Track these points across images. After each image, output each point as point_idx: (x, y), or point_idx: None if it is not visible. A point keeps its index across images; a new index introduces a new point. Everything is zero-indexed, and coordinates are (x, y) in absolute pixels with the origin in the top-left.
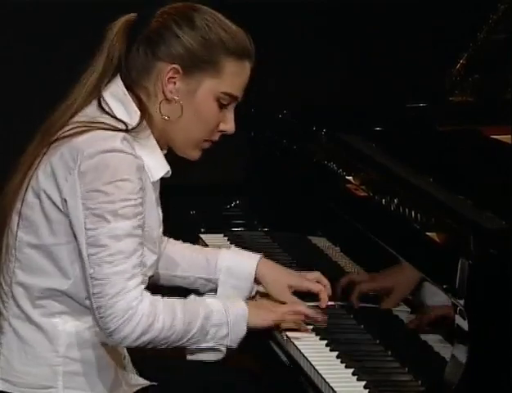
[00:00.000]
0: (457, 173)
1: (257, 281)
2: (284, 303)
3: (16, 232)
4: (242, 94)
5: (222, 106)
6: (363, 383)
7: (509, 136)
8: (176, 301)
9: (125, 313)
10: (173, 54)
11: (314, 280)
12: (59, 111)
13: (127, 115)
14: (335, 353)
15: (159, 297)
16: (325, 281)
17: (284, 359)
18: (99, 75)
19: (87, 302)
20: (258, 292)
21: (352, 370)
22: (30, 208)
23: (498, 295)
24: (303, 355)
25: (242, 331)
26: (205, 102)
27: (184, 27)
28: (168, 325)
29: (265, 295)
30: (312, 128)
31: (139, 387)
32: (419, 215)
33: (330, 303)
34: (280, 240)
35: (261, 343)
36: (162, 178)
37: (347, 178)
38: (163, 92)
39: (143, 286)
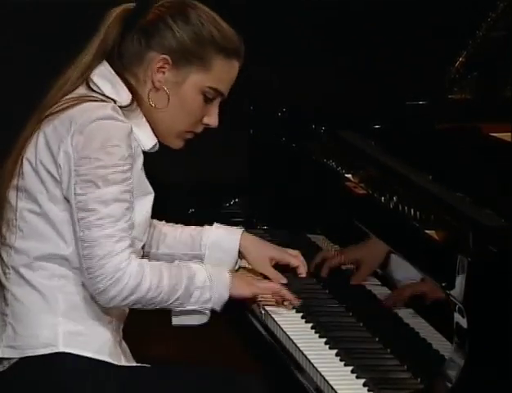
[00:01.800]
0: (456, 170)
1: (240, 254)
2: (266, 277)
3: (16, 204)
4: (228, 91)
5: (207, 100)
6: (362, 381)
7: (509, 133)
8: (163, 264)
9: (114, 274)
10: (165, 46)
11: (294, 256)
12: (53, 90)
13: (115, 94)
14: (334, 351)
15: (146, 260)
16: (303, 259)
17: (283, 357)
18: (92, 57)
19: None
20: (240, 267)
21: (351, 368)
22: (28, 180)
23: (497, 292)
24: (302, 353)
25: (224, 295)
26: (191, 94)
27: (179, 21)
28: (155, 286)
29: (249, 271)
30: (312, 127)
31: (131, 364)
32: (418, 213)
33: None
34: (280, 238)
35: (253, 335)
36: (162, 176)
37: (346, 175)
38: (152, 81)
39: (131, 249)
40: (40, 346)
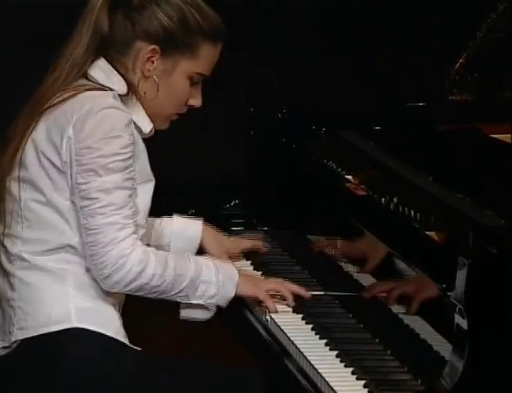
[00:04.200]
0: (456, 171)
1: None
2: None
3: (19, 195)
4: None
5: (192, 84)
6: (363, 382)
7: (509, 135)
8: (169, 254)
9: (117, 260)
10: (152, 34)
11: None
12: (47, 84)
13: (110, 83)
14: (335, 352)
15: (152, 248)
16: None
17: (283, 358)
18: (85, 49)
19: None
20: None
21: (351, 369)
22: (32, 171)
23: (497, 293)
24: (303, 354)
25: (231, 292)
26: (179, 81)
27: (163, 7)
28: (159, 274)
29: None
30: (312, 127)
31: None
32: (418, 214)
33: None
34: (280, 239)
35: (254, 337)
36: (162, 178)
37: (346, 177)
38: (142, 70)
39: (135, 236)
40: (53, 323)
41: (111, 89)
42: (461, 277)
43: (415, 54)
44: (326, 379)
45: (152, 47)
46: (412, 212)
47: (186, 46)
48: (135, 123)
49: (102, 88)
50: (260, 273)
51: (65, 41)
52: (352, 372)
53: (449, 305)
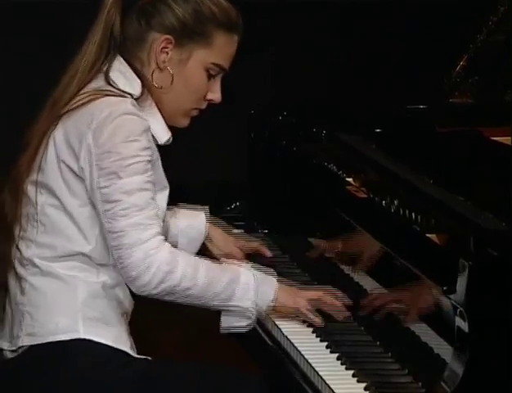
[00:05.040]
0: (457, 174)
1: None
2: None
3: (36, 198)
4: (229, 66)
5: (210, 77)
6: (363, 385)
7: (509, 137)
8: (201, 258)
9: (143, 261)
10: (167, 25)
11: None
12: (62, 84)
13: (129, 86)
14: (336, 355)
15: (182, 251)
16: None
17: (284, 360)
18: (97, 46)
19: (107, 263)
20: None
21: (352, 372)
22: (49, 175)
23: (498, 296)
24: (304, 357)
25: (269, 295)
26: (195, 72)
27: (177, 0)
28: (190, 276)
29: None
30: (312, 130)
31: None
32: (419, 217)
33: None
34: (280, 241)
35: (256, 340)
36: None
37: (347, 179)
38: (156, 62)
39: (161, 237)
40: (60, 332)
41: (130, 94)
42: (462, 279)
43: (416, 57)
44: (327, 382)
45: (165, 36)
46: (413, 214)
47: (200, 34)
48: (152, 132)
49: (121, 94)
50: None
51: (65, 39)
52: (353, 375)
53: (450, 308)
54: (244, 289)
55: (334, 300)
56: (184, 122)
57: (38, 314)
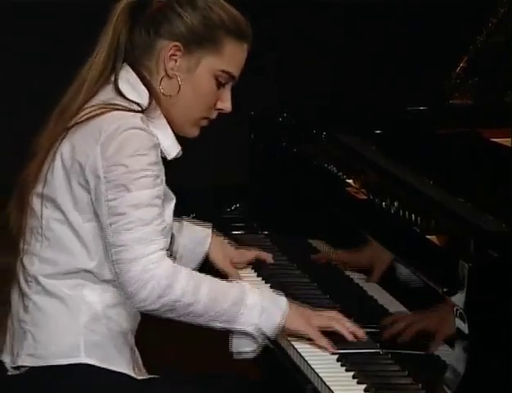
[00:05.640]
0: (457, 175)
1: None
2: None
3: (41, 212)
4: (239, 74)
5: (219, 85)
6: (363, 386)
7: (509, 139)
8: (207, 275)
9: (142, 275)
10: (175, 32)
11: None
12: (70, 94)
13: (137, 97)
14: (336, 356)
15: (183, 267)
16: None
17: (283, 361)
18: (105, 55)
19: (110, 281)
20: None
21: (352, 373)
22: (54, 189)
23: (498, 297)
24: (303, 358)
25: (275, 319)
26: (204, 79)
27: (186, 7)
28: (191, 291)
29: None
30: (312, 131)
31: (143, 377)
32: (419, 218)
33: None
34: (281, 243)
35: None
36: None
37: (347, 180)
38: (165, 69)
39: (163, 253)
40: (62, 356)
41: (138, 103)
42: (462, 281)
43: (416, 58)
44: (327, 383)
45: (174, 43)
46: (413, 216)
47: (209, 41)
48: (160, 146)
49: (130, 108)
50: (261, 277)
51: (65, 40)
52: (353, 376)
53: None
54: (250, 311)
55: (346, 320)
56: (193, 132)
57: (40, 336)
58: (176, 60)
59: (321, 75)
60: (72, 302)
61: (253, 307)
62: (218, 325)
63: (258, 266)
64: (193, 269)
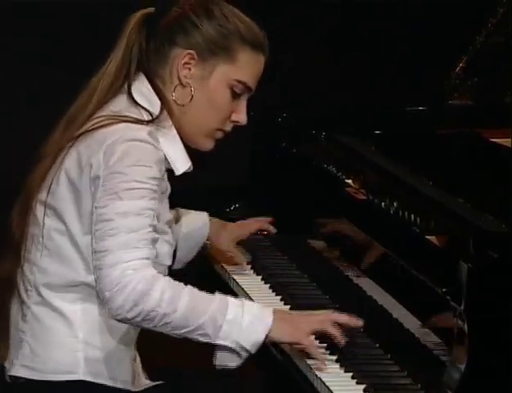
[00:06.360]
0: (456, 176)
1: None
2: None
3: (43, 220)
4: (255, 86)
5: (234, 96)
6: (363, 387)
7: (509, 139)
8: (189, 286)
9: (119, 280)
10: (190, 41)
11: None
12: (79, 104)
13: (149, 106)
14: (335, 356)
15: (168, 278)
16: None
17: (282, 362)
18: (118, 65)
19: None
20: None
21: (351, 374)
22: (58, 199)
23: (498, 298)
24: (302, 359)
25: (259, 336)
26: (218, 88)
27: (202, 17)
28: (168, 300)
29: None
30: (312, 131)
31: (145, 387)
32: (418, 218)
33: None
34: (280, 243)
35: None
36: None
37: (346, 181)
38: (178, 77)
39: (146, 261)
40: (60, 372)
41: (149, 112)
42: (461, 281)
43: (415, 58)
44: (326, 383)
45: (188, 51)
46: (412, 216)
47: (224, 49)
48: (169, 161)
49: (139, 120)
50: (260, 277)
51: (65, 40)
52: (352, 377)
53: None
54: (230, 327)
55: (341, 318)
56: (207, 144)
57: (37, 348)
58: (190, 69)
59: (321, 75)
60: (71, 316)
61: (233, 322)
62: (199, 339)
63: (257, 266)
64: (193, 256)
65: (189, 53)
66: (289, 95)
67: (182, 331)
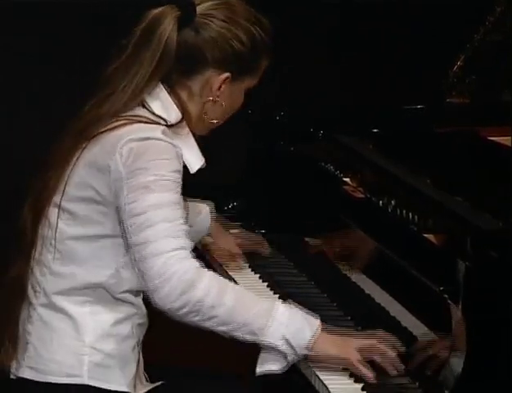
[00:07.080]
0: (455, 174)
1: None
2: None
3: (56, 224)
4: None
5: None
6: (360, 385)
7: (507, 137)
8: (232, 283)
9: (165, 270)
10: (224, 61)
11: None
12: (94, 104)
13: (164, 112)
14: None
15: (211, 271)
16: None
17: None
18: (150, 74)
19: (121, 295)
20: None
21: (349, 372)
22: (75, 202)
23: (495, 296)
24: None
25: (305, 336)
26: (239, 96)
27: (234, 32)
28: (215, 292)
29: None
30: (310, 130)
31: (147, 389)
32: (416, 217)
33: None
34: (278, 241)
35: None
36: None
37: (344, 179)
38: (211, 97)
39: (188, 252)
40: (64, 375)
41: (164, 119)
42: (459, 279)
43: (414, 56)
44: (324, 382)
45: (225, 75)
46: (410, 214)
47: (254, 66)
48: (184, 159)
49: (154, 121)
50: (258, 275)
51: (65, 40)
52: (350, 375)
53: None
54: (278, 324)
55: (387, 349)
56: (205, 132)
57: (42, 350)
58: (221, 86)
59: (319, 74)
60: (80, 319)
61: (281, 320)
62: (246, 337)
63: (255, 264)
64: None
65: (227, 77)
66: (288, 94)
67: (229, 327)
